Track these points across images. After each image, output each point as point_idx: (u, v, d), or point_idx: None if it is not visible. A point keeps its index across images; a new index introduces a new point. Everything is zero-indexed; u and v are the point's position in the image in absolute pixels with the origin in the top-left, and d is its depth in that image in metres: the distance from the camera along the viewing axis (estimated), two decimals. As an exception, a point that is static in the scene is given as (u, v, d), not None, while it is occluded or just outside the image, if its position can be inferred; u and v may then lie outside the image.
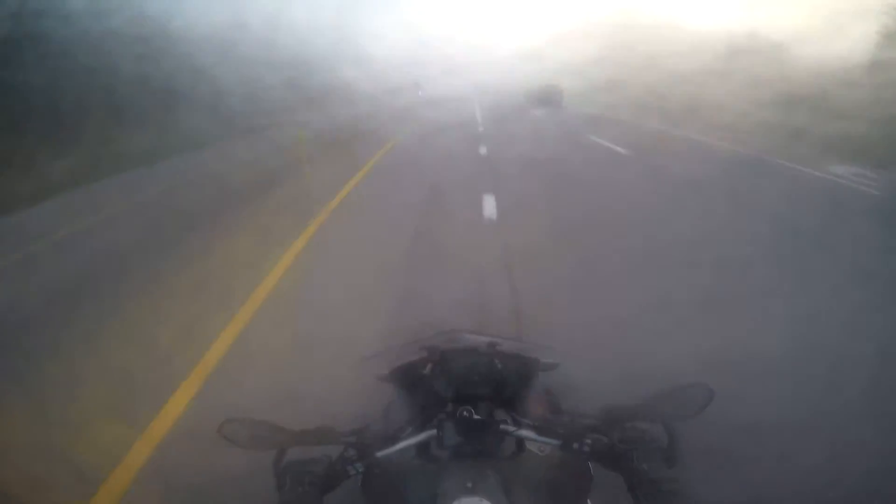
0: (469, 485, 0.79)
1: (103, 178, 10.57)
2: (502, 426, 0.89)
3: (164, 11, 16.36)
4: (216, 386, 2.88)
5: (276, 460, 0.83)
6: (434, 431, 0.89)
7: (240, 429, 0.83)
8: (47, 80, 11.22)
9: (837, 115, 10.73)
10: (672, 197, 7.04)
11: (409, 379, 0.98)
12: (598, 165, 9.96)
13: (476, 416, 0.89)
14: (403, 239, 5.29)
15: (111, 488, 2.15)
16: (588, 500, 0.91)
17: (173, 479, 2.16)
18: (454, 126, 16.07)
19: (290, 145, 12.57)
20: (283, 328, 3.55)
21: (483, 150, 11.31)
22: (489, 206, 6.41)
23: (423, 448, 0.92)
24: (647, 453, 0.79)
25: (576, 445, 0.85)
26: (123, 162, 11.50)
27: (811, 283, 4.05)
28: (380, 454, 0.86)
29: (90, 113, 12.32)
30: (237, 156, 12.65)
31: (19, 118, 10.86)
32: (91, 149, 11.30)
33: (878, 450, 2.10)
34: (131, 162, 11.59)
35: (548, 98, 22.87)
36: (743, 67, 16.27)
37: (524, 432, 0.89)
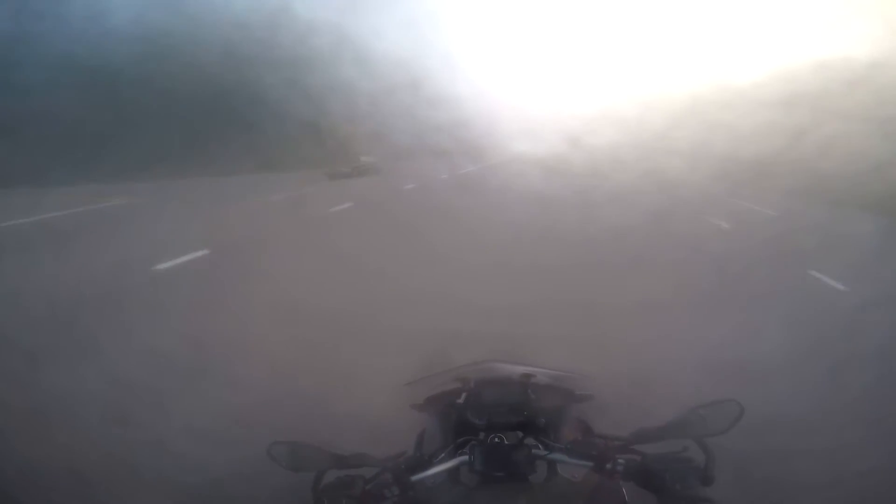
0: None
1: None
2: (533, 450, 0.91)
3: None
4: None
5: (315, 482, 0.86)
6: (466, 457, 0.91)
7: (285, 451, 0.87)
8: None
9: None
10: None
11: (444, 408, 1.00)
12: None
13: (507, 442, 0.91)
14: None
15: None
16: None
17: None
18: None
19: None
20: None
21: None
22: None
23: (455, 474, 0.93)
24: (681, 472, 0.80)
25: (608, 466, 0.85)
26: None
27: None
28: (414, 479, 0.88)
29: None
30: None
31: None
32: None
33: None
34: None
35: None
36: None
37: (556, 455, 0.91)
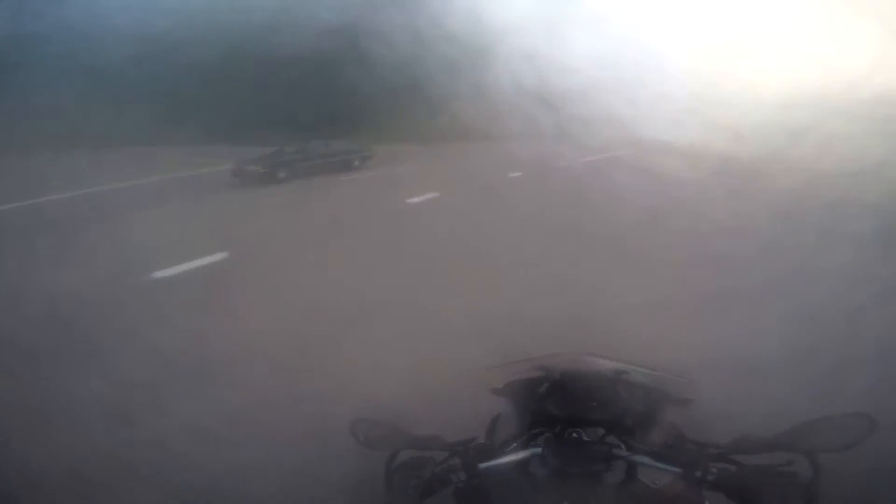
0: None
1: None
2: (614, 450, 0.84)
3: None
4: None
5: (388, 460, 0.86)
6: (539, 450, 0.86)
7: (364, 428, 0.90)
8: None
9: None
10: None
11: (523, 395, 0.96)
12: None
13: (586, 439, 0.86)
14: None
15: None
16: None
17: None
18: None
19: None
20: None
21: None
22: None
23: (524, 465, 0.88)
24: (783, 489, 0.71)
25: (698, 474, 0.77)
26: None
27: None
28: (482, 466, 0.85)
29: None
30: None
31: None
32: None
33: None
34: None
35: None
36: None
37: (638, 457, 0.83)
